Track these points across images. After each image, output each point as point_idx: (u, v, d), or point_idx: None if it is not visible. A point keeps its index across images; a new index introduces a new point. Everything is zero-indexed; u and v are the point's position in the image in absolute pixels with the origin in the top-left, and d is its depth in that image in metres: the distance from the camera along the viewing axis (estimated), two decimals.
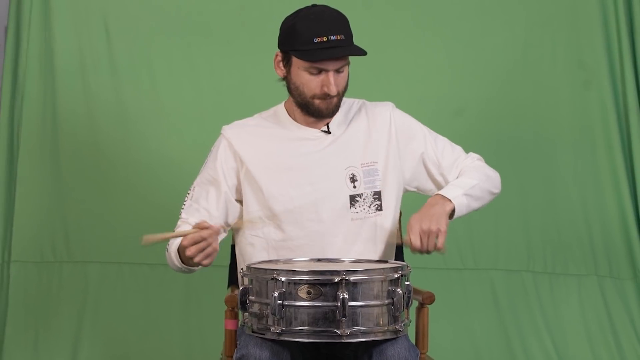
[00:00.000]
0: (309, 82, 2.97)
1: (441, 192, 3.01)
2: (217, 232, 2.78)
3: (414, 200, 3.06)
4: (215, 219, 3.00)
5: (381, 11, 4.76)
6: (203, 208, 3.04)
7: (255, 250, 3.06)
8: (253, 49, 4.56)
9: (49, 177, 4.51)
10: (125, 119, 4.57)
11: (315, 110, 3.01)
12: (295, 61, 2.97)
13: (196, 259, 2.76)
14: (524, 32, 4.80)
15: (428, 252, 2.88)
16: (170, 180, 4.49)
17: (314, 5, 3.00)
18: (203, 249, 2.74)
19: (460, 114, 4.63)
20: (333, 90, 2.94)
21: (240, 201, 3.09)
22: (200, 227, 2.74)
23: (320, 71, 2.94)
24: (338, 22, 2.96)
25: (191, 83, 4.63)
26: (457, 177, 3.11)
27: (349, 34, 2.96)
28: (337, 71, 2.96)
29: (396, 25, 4.76)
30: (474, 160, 3.16)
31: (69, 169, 4.54)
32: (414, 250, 2.86)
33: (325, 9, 2.98)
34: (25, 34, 4.48)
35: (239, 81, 4.60)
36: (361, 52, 2.96)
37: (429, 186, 3.17)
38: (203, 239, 2.72)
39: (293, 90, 3.03)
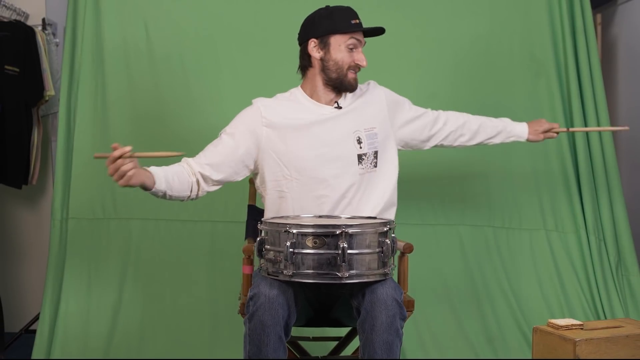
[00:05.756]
0: (346, 57, 3.09)
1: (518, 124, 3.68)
2: (124, 152, 2.81)
3: (409, 159, 3.11)
4: (220, 164, 3.11)
5: (369, 15, 4.66)
6: (209, 152, 3.15)
7: (282, 202, 3.11)
8: (265, 44, 4.56)
9: (100, 148, 4.49)
10: (161, 100, 4.58)
11: (348, 83, 3.12)
12: (335, 41, 3.08)
13: (114, 178, 2.80)
14: (487, 31, 4.77)
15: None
16: (198, 151, 4.44)
17: (328, 6, 3.16)
18: (116, 170, 2.78)
19: (433, 98, 4.64)
20: (365, 62, 3.11)
21: (250, 161, 3.16)
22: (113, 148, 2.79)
23: (352, 49, 3.09)
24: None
25: (215, 72, 4.62)
26: (492, 123, 3.61)
27: None
28: None
29: (382, 26, 4.73)
30: (456, 113, 3.50)
31: (116, 142, 4.50)
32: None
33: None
34: (80, 33, 4.49)
35: (254, 70, 4.57)
36: (383, 30, 3.22)
37: (415, 143, 3.38)
38: (114, 159, 2.78)
39: (331, 67, 3.11)
